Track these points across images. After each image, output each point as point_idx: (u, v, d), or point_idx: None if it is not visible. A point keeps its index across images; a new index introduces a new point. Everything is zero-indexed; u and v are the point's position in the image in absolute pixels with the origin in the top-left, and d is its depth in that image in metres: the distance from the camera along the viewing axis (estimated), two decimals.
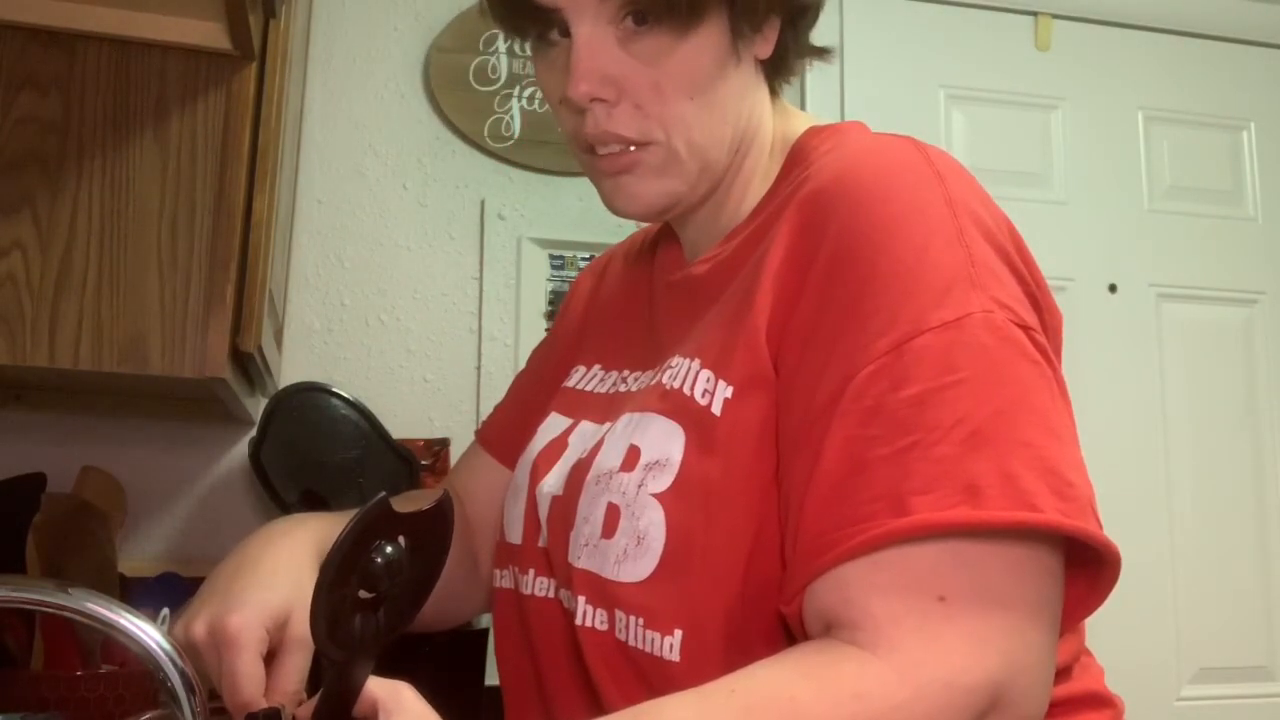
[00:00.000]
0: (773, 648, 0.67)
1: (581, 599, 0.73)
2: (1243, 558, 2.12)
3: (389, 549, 0.61)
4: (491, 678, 1.40)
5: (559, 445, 0.84)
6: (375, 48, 1.86)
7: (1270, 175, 2.26)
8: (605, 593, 0.71)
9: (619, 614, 0.70)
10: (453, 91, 1.86)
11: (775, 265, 0.70)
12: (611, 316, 0.93)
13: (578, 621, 0.73)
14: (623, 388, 0.84)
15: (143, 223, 1.06)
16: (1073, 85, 2.20)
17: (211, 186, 1.08)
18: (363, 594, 0.61)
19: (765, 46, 0.78)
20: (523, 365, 1.85)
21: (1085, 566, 0.63)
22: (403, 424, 1.71)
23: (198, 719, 0.65)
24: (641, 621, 0.69)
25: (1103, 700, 0.76)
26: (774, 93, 0.82)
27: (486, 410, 1.79)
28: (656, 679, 0.69)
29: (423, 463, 1.64)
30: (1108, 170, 2.18)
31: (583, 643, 0.72)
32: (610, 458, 0.74)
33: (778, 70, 0.81)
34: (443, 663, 1.32)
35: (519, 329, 1.84)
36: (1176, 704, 2.04)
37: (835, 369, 0.64)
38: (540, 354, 1.04)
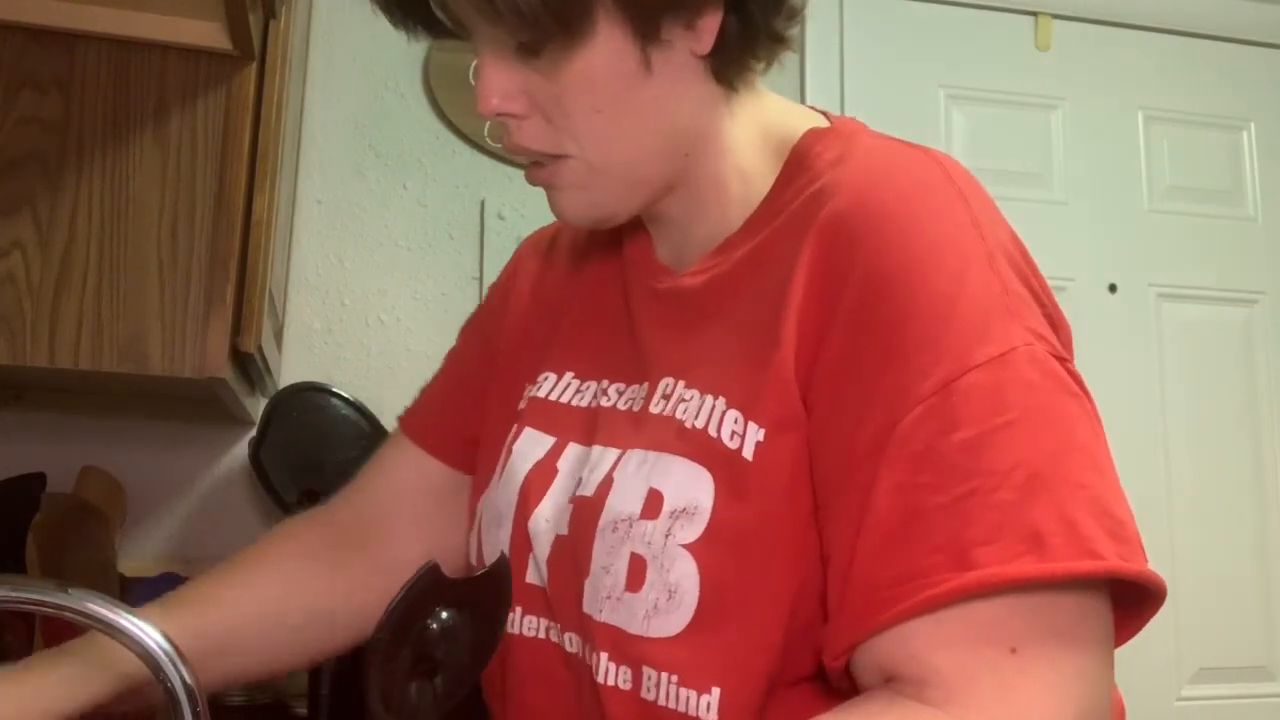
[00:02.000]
0: (804, 701, 0.65)
1: (604, 655, 0.69)
2: (1243, 558, 2.12)
3: (444, 615, 0.60)
4: None
5: (547, 470, 0.78)
6: (375, 48, 1.86)
7: (1270, 175, 2.27)
8: (631, 649, 0.67)
9: (647, 671, 0.67)
10: (453, 91, 1.86)
11: (799, 297, 0.66)
12: (580, 317, 0.87)
13: (599, 679, 0.69)
14: (605, 402, 0.79)
15: (143, 223, 1.06)
16: (1073, 85, 2.20)
17: (211, 186, 1.08)
18: (419, 666, 0.60)
19: (701, 42, 0.70)
20: None
21: (1127, 596, 0.62)
22: None
23: (196, 719, 0.65)
24: (675, 679, 0.66)
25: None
26: (731, 88, 0.74)
27: None
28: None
29: None
30: (1108, 170, 2.18)
31: (605, 701, 0.69)
32: (627, 502, 0.69)
33: (726, 65, 0.72)
34: None
35: None
36: (1176, 704, 2.04)
37: (877, 410, 0.61)
38: (476, 335, 0.96)
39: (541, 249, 0.94)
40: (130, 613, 0.65)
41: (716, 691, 0.64)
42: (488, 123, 1.86)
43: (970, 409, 0.59)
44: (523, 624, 0.76)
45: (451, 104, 1.86)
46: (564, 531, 0.74)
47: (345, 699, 1.30)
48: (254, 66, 1.11)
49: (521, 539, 0.77)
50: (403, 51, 1.86)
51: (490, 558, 0.79)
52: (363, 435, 1.56)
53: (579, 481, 0.75)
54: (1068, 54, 2.20)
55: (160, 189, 1.07)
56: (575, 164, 0.72)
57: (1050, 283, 0.72)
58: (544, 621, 0.75)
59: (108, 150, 1.07)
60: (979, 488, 0.58)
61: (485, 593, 0.62)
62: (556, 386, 0.83)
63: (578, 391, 0.82)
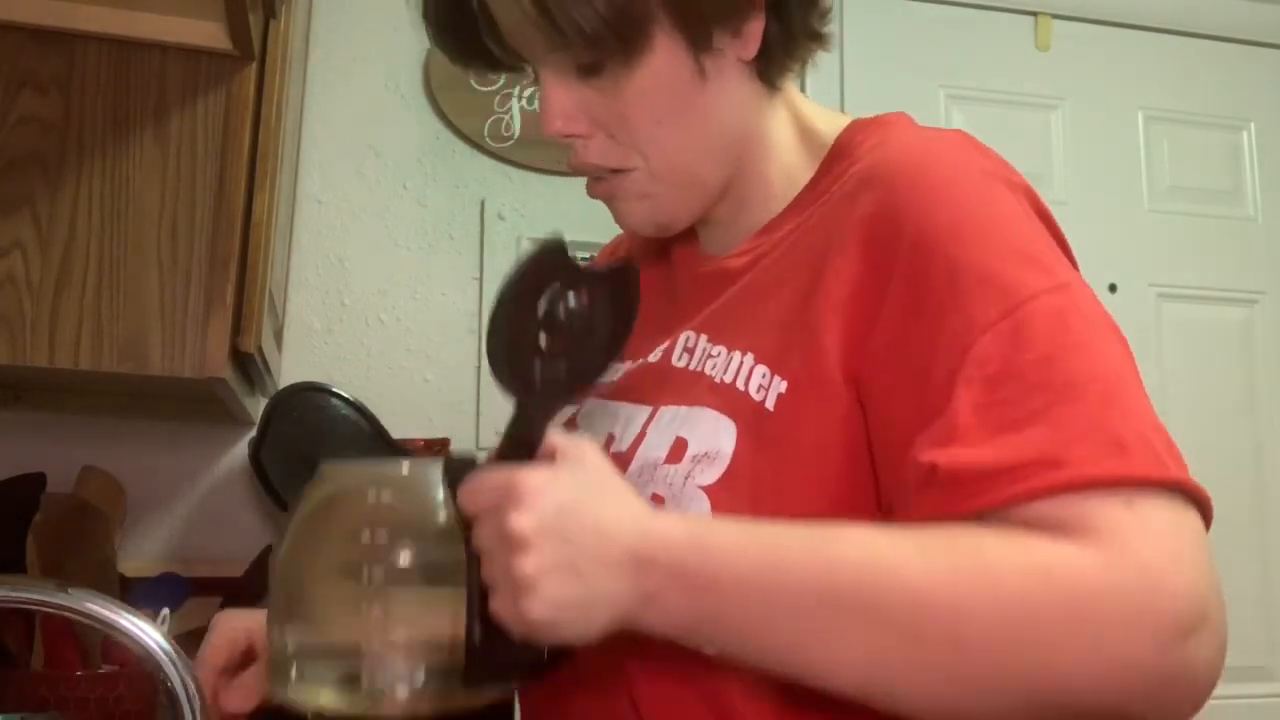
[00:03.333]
0: None
1: None
2: (1243, 558, 2.11)
3: (570, 297, 0.63)
4: None
5: (570, 428, 0.82)
6: (375, 48, 1.86)
7: (1270, 175, 2.26)
8: None
9: None
10: (453, 91, 1.86)
11: (844, 265, 0.69)
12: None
13: None
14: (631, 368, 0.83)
15: (143, 223, 1.06)
16: (1073, 85, 2.20)
17: (211, 186, 1.08)
18: (544, 342, 0.63)
19: (747, 48, 0.75)
20: None
21: None
22: (403, 424, 1.71)
23: (196, 718, 0.65)
24: None
25: None
26: (775, 88, 0.79)
27: (486, 410, 1.80)
28: (696, 670, 0.67)
29: None
30: (1108, 170, 2.18)
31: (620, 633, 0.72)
32: (655, 450, 0.73)
33: (770, 66, 0.77)
34: None
35: None
36: None
37: (944, 351, 0.63)
38: None
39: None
40: (130, 612, 0.65)
41: None
42: (488, 122, 1.86)
43: (1039, 330, 0.62)
44: None
45: (451, 104, 1.86)
46: None
47: None
48: (254, 66, 1.11)
49: None
50: (403, 51, 1.87)
51: None
52: (363, 435, 1.56)
53: (610, 438, 0.78)
54: (1068, 54, 2.20)
55: (160, 189, 1.07)
56: (638, 175, 0.76)
57: None
58: None
59: (108, 150, 1.07)
60: (1059, 399, 0.60)
61: (613, 287, 0.64)
62: None
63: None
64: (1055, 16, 2.20)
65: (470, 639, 0.61)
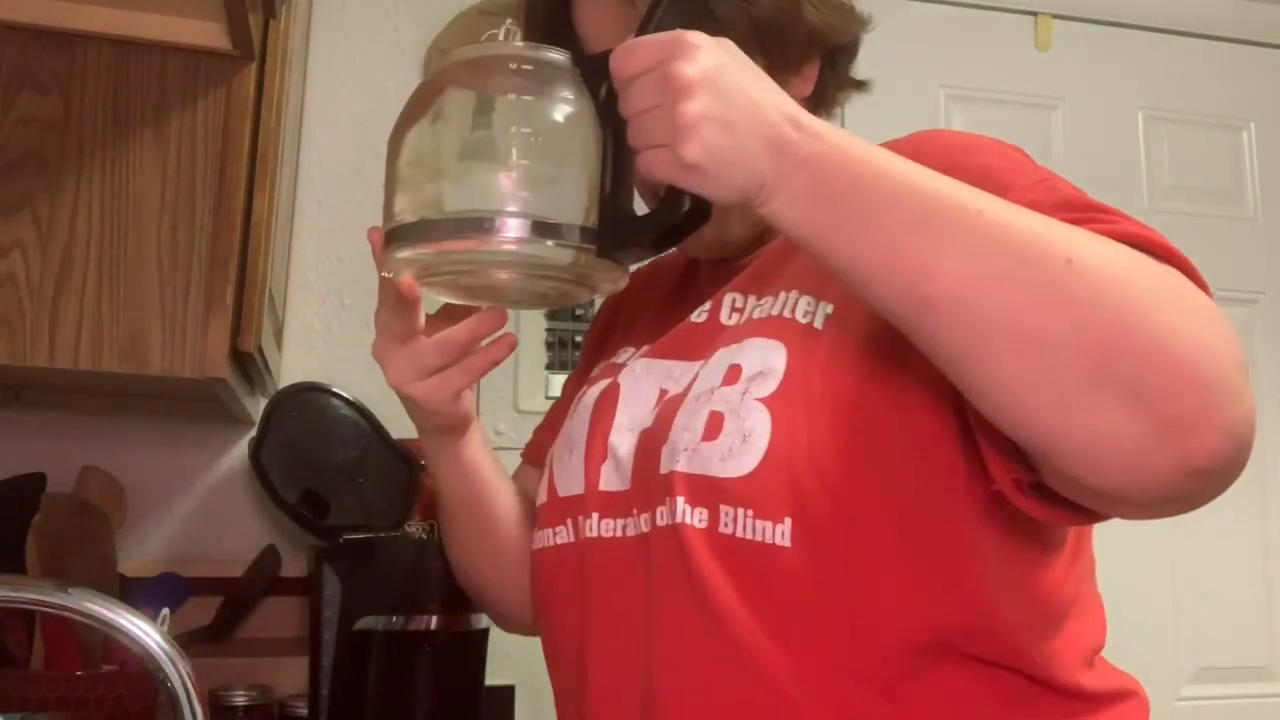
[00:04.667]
0: (886, 524, 0.70)
1: (680, 499, 0.74)
2: (1243, 558, 2.12)
3: None
4: (492, 678, 1.40)
5: (612, 389, 0.85)
6: (375, 48, 1.86)
7: (1270, 175, 2.26)
8: (708, 489, 0.73)
9: (724, 509, 0.72)
10: None
11: None
12: (662, 308, 0.95)
13: (676, 520, 0.74)
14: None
15: (143, 223, 1.06)
16: (1073, 85, 2.20)
17: (211, 186, 1.08)
18: None
19: (805, 86, 0.86)
20: (522, 365, 1.86)
21: None
22: (403, 424, 1.70)
23: (196, 718, 0.65)
24: (750, 513, 0.71)
25: (1135, 693, 0.79)
26: None
27: (486, 408, 1.80)
28: (766, 566, 0.71)
29: (422, 463, 1.64)
30: (1108, 170, 2.18)
31: (684, 538, 0.73)
32: (710, 380, 0.77)
33: (819, 106, 0.88)
34: (442, 662, 1.32)
35: (519, 329, 1.84)
36: (1176, 704, 2.04)
37: None
38: (573, 375, 1.07)
39: (644, 271, 1.04)
40: (130, 612, 0.65)
41: (789, 521, 0.70)
42: None
43: (1064, 190, 0.69)
44: (600, 527, 0.81)
45: None
46: (649, 424, 0.80)
47: (345, 698, 1.31)
48: (254, 66, 1.11)
49: (596, 451, 0.83)
50: (403, 51, 1.86)
51: (562, 485, 0.85)
52: (363, 435, 1.56)
53: (662, 392, 0.81)
54: (1068, 54, 2.20)
55: (160, 189, 1.07)
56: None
57: None
58: (620, 521, 0.80)
59: (108, 150, 1.07)
60: (1092, 215, 0.66)
61: None
62: (634, 356, 0.90)
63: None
64: (1055, 16, 2.20)
65: (604, 204, 0.65)
